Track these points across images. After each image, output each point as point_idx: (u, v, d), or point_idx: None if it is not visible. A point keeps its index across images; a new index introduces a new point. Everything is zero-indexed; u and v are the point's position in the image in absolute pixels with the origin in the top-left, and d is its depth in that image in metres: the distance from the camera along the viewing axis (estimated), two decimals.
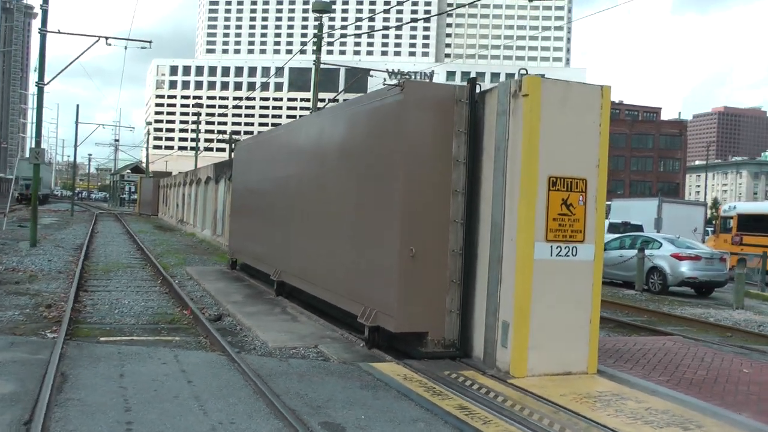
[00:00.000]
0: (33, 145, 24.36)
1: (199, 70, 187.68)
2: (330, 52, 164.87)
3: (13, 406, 5.97)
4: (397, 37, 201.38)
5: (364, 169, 9.97)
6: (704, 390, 8.13)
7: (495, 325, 8.46)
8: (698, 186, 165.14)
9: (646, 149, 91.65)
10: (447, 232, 9.06)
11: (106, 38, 26.46)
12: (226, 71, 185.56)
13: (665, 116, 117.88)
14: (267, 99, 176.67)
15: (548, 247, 8.22)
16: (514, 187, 8.28)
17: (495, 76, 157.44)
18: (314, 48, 27.49)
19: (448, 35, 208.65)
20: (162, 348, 9.11)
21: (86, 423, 5.61)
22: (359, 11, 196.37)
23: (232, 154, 20.73)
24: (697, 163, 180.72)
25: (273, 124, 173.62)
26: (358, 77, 35.41)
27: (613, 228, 27.82)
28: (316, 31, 27.49)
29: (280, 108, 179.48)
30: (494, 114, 8.73)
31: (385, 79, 29.47)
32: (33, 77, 28.47)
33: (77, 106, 55.66)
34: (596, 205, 8.48)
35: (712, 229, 41.63)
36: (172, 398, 6.43)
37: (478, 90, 9.04)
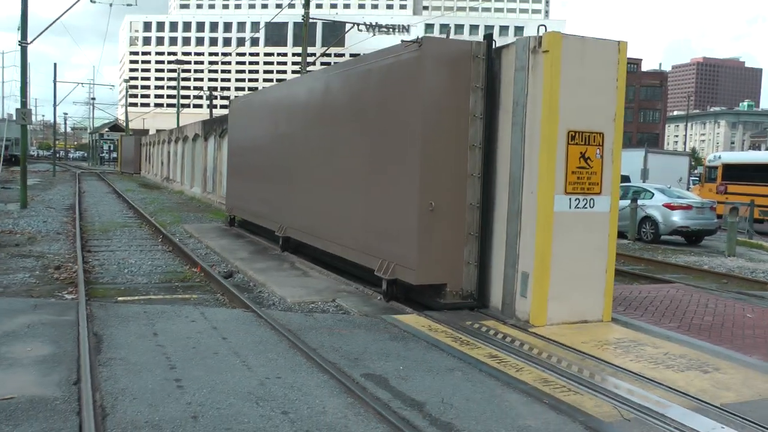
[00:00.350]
0: (19, 106, 23.93)
1: (174, 26, 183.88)
2: (306, 6, 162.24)
3: (57, 367, 6.05)
4: None
5: (379, 125, 10.02)
6: (713, 335, 8.41)
7: (514, 276, 8.65)
8: (677, 136, 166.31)
9: (626, 101, 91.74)
10: (465, 185, 9.19)
11: None
12: (200, 27, 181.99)
13: (645, 67, 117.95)
14: (243, 54, 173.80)
15: (567, 199, 8.37)
16: (534, 141, 8.39)
17: (474, 28, 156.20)
18: (291, 3, 27.09)
19: None
20: (186, 306, 9.22)
21: (135, 381, 5.71)
22: None
23: (228, 110, 20.50)
24: (676, 113, 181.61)
25: (250, 80, 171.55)
26: (349, 32, 34.98)
27: None
28: None
29: (257, 63, 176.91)
30: (511, 70, 8.79)
31: (361, 30, 29.10)
32: None
33: (54, 65, 54.66)
34: (612, 158, 8.62)
35: (695, 178, 42.17)
36: (213, 354, 6.55)
37: (494, 46, 9.07)
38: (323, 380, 5.93)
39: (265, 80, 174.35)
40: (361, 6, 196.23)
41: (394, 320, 8.47)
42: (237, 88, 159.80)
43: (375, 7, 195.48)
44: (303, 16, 27.16)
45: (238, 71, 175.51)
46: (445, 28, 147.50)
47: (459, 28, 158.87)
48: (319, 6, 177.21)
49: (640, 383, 6.33)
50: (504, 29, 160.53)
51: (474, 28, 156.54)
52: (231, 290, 10.31)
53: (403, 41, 9.10)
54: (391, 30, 30.76)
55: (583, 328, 8.37)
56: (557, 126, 8.24)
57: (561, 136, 8.28)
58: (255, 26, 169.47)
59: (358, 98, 10.73)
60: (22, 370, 5.93)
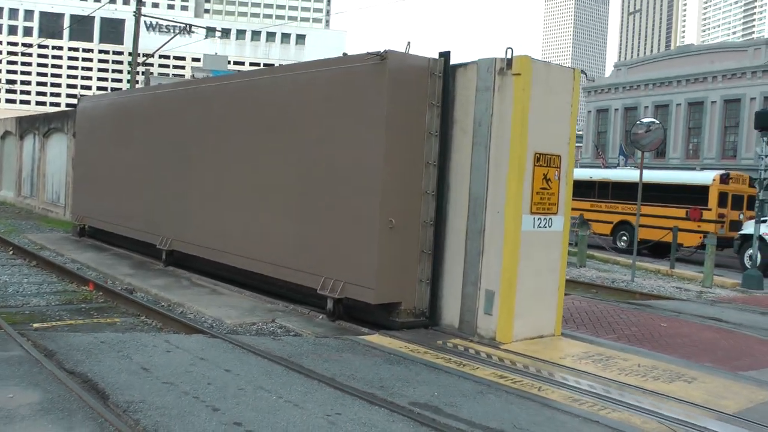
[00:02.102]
0: None
1: None
2: None
3: (71, 418, 4.98)
4: None
5: (324, 138, 9.55)
6: (656, 345, 9.04)
7: (475, 294, 8.65)
8: None
9: None
10: (419, 203, 9.03)
11: None
12: None
13: None
14: (15, 45, 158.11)
15: (532, 219, 8.54)
16: (501, 162, 8.45)
17: (256, 34, 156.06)
18: None
19: None
20: (134, 333, 8.23)
21: (191, 429, 4.91)
22: None
23: (68, 108, 18.50)
24: None
25: (23, 73, 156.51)
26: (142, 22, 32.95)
27: None
28: None
29: (30, 56, 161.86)
30: (470, 89, 8.81)
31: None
32: None
33: None
34: (567, 180, 8.93)
35: None
36: (239, 391, 5.82)
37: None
38: (385, 414, 5.50)
39: (38, 73, 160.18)
40: (142, 3, 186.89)
41: (366, 342, 8.11)
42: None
43: (156, 5, 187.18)
44: (134, 13, 25.29)
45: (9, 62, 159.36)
46: (226, 32, 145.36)
47: (241, 33, 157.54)
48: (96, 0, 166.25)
49: (652, 397, 6.58)
50: (286, 36, 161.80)
51: (256, 34, 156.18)
52: (157, 311, 9.35)
53: (368, 52, 8.75)
54: (172, 29, 29.62)
55: (546, 343, 8.55)
56: (526, 148, 8.37)
57: (529, 157, 8.43)
58: (29, 15, 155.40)
59: (294, 107, 10.14)
60: (34, 426, 4.86)
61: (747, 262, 20.49)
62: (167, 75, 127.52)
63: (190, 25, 30.28)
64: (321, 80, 9.66)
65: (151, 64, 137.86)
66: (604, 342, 8.91)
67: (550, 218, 8.76)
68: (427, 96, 8.97)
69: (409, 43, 9.02)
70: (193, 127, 12.61)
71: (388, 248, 8.74)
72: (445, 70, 8.99)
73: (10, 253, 14.76)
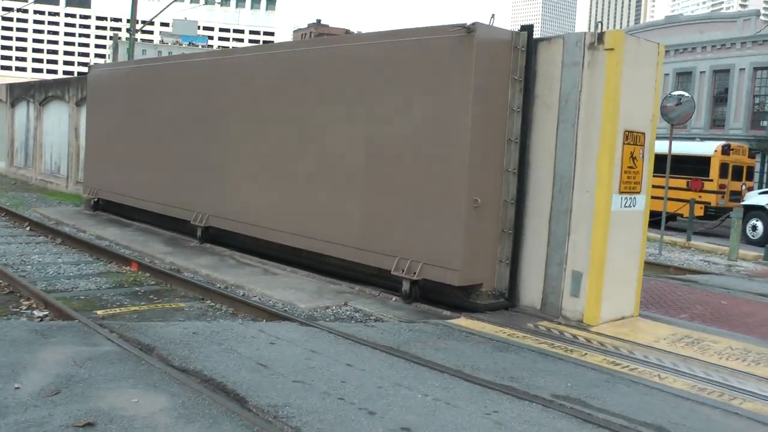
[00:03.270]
0: None
1: None
2: None
3: (218, 427, 4.64)
4: None
5: (400, 112, 9.12)
6: (731, 325, 8.91)
7: (561, 275, 8.41)
8: None
9: None
10: (500, 181, 8.72)
11: None
12: None
13: None
14: None
15: (620, 198, 8.28)
16: (591, 140, 8.15)
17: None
18: None
19: None
20: (221, 321, 7.85)
21: None
22: None
23: (79, 77, 17.70)
24: None
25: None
26: None
27: None
28: None
29: None
30: (555, 64, 8.46)
31: None
32: None
33: None
34: (649, 158, 8.67)
35: None
36: (378, 389, 5.46)
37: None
38: (540, 410, 5.22)
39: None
40: None
41: (457, 326, 7.83)
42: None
43: None
44: None
45: None
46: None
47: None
48: None
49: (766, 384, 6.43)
50: (256, 2, 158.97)
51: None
52: (221, 293, 9.00)
53: (452, 24, 8.32)
54: None
55: (631, 325, 8.36)
56: (617, 126, 8.07)
57: (619, 135, 8.14)
58: None
59: (365, 78, 9.62)
60: None
61: (750, 234, 20.65)
62: (136, 40, 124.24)
63: None
64: (396, 51, 9.20)
65: (119, 29, 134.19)
66: (682, 322, 8.74)
67: (635, 197, 8.51)
68: (509, 71, 8.61)
69: (493, 15, 8.60)
70: (236, 98, 12.03)
71: (473, 228, 8.45)
72: (528, 44, 8.62)
73: (28, 229, 14.12)
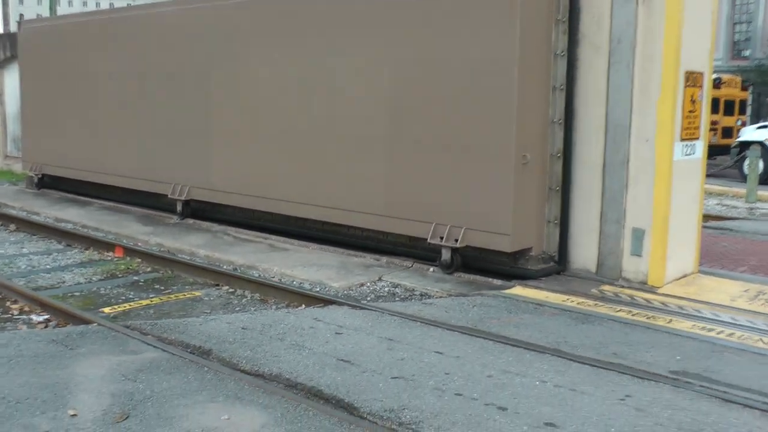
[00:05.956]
0: None
1: None
2: None
3: None
4: None
5: (428, 60, 8.83)
6: None
7: (619, 234, 8.37)
8: None
9: None
10: (546, 133, 8.60)
11: None
12: None
13: None
14: None
15: (681, 146, 8.23)
16: (648, 83, 8.04)
17: None
18: None
19: None
20: (264, 311, 7.64)
21: None
22: None
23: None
24: None
25: None
26: None
27: None
28: None
29: None
30: (603, 1, 8.30)
31: None
32: None
33: None
34: (707, 100, 8.64)
35: None
36: (489, 378, 5.29)
37: None
38: (670, 390, 5.12)
39: None
40: None
41: (519, 296, 7.72)
42: None
43: None
44: None
45: None
46: None
47: None
48: None
49: None
50: None
51: None
52: (237, 277, 8.77)
53: None
54: None
55: (696, 283, 8.38)
56: (678, 67, 7.97)
57: (681, 78, 8.05)
58: None
59: (381, 19, 9.28)
60: None
61: (746, 171, 21.16)
62: None
63: None
64: None
65: None
66: (746, 276, 8.82)
67: (694, 144, 8.49)
68: (552, 11, 8.41)
69: None
70: (220, 49, 11.46)
71: (522, 187, 8.32)
72: None
73: None
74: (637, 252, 8.26)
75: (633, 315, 7.12)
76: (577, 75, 8.55)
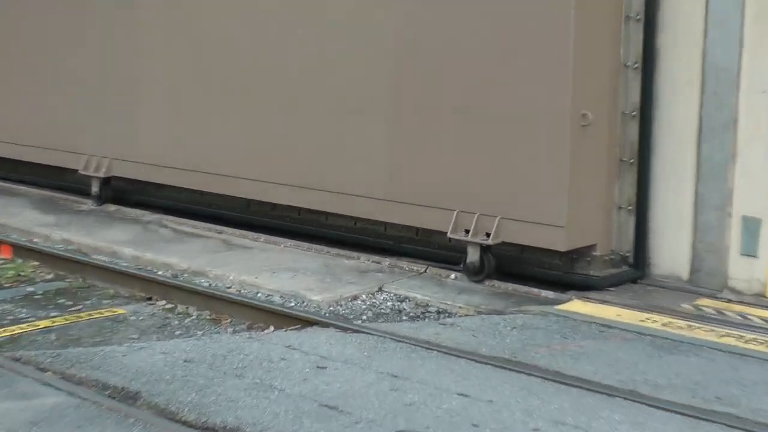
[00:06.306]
0: None
1: None
2: None
3: None
4: None
5: None
6: None
7: (723, 225, 8.43)
8: None
9: None
10: (617, 83, 8.67)
11: None
12: None
13: None
14: None
15: None
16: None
17: None
18: None
19: None
20: (217, 336, 7.80)
21: None
22: None
23: None
24: None
25: None
26: None
27: None
28: None
29: None
30: None
31: None
32: None
33: None
34: None
35: None
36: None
37: None
38: None
39: None
40: None
41: (576, 314, 7.72)
42: None
43: None
44: None
45: None
46: None
47: None
48: None
49: None
50: None
51: None
52: (177, 286, 8.88)
53: None
54: None
55: None
56: None
57: None
58: None
59: None
60: None
61: None
62: None
63: None
64: None
65: None
66: None
67: None
68: None
69: None
70: None
71: (581, 159, 8.38)
72: None
73: None
74: (750, 251, 8.30)
75: (746, 342, 7.08)
76: (658, 4, 8.64)
